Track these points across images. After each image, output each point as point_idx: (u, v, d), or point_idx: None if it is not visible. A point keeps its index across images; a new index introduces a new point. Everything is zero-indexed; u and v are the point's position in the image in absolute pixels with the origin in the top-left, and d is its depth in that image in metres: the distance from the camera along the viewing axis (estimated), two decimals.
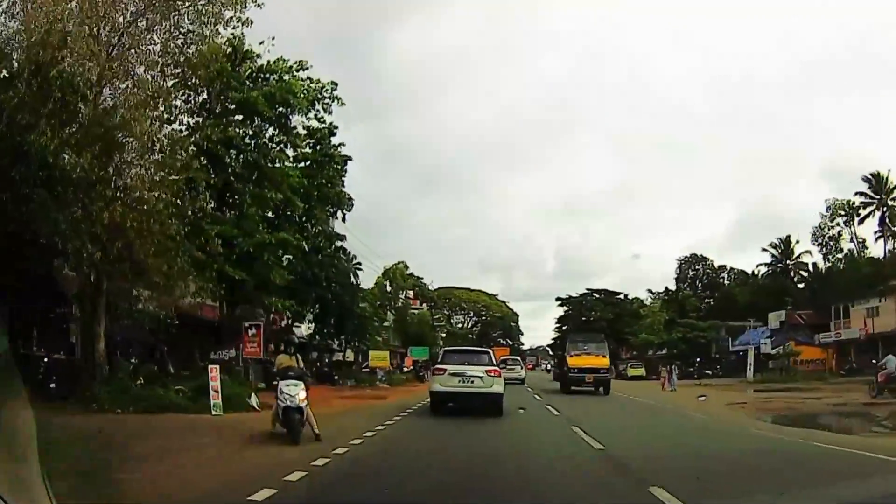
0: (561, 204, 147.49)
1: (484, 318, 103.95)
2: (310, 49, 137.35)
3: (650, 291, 71.16)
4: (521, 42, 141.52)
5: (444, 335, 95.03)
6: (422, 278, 71.64)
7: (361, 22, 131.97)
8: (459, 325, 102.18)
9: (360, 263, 42.84)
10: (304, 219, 29.99)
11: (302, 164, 29.90)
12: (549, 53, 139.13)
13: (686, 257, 75.69)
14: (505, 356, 47.82)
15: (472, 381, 15.87)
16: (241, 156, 25.12)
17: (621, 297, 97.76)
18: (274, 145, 27.20)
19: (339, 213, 35.50)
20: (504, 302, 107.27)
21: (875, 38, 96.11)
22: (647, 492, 6.88)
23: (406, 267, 63.91)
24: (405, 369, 47.76)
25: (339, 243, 37.32)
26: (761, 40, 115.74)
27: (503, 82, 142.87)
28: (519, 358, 55.52)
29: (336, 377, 34.61)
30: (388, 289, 62.83)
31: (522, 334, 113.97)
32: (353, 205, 35.73)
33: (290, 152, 28.53)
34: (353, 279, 41.64)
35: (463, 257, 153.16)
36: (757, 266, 66.17)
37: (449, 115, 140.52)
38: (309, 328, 39.71)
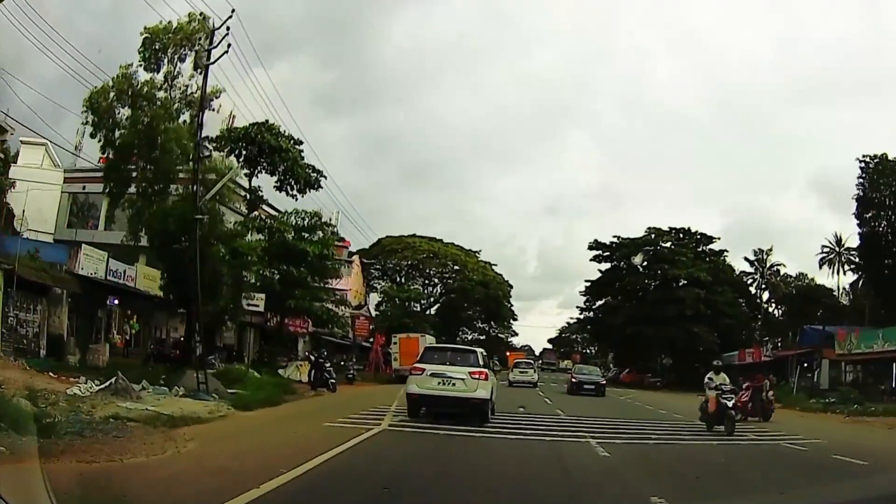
0: (547, 204, 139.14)
1: (453, 283, 65.11)
2: (302, 34, 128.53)
3: None
4: (515, 38, 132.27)
5: (382, 302, 57.90)
6: (297, 143, 32.77)
7: (355, 9, 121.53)
8: (418, 287, 63.22)
9: None
10: None
11: None
12: (543, 51, 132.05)
13: (873, 159, 37.91)
14: (519, 360, 50.93)
15: (454, 384, 14.42)
16: None
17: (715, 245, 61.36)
18: None
19: None
20: (489, 263, 69.04)
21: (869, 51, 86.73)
22: None
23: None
24: None
25: None
26: (757, 47, 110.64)
27: (495, 78, 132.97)
28: (532, 361, 55.33)
29: None
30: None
31: (516, 319, 74.42)
32: None
33: None
34: None
35: None
36: None
37: (439, 108, 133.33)
38: None
